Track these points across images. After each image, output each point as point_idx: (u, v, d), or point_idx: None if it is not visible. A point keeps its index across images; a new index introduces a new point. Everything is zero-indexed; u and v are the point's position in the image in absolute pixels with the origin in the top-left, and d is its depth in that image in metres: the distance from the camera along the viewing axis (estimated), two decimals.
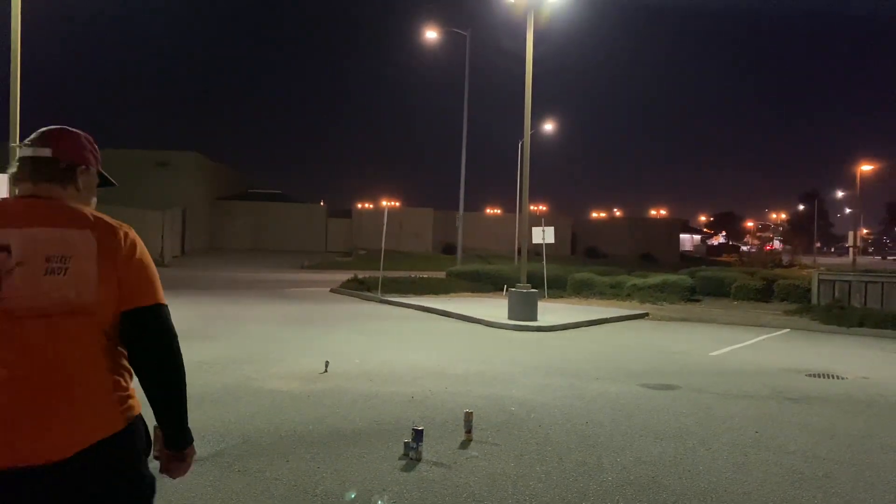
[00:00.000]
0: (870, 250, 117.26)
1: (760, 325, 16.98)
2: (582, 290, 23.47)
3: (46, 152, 2.19)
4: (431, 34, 32.18)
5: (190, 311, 16.69)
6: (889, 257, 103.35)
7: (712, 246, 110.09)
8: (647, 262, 54.94)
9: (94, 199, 2.40)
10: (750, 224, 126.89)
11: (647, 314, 18.67)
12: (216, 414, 6.94)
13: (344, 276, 27.76)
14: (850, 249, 45.06)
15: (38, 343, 1.99)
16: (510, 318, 15.65)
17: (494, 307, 17.91)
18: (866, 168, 50.93)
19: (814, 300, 20.11)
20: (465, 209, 35.80)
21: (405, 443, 5.83)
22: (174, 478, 2.43)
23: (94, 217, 2.15)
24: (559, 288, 23.66)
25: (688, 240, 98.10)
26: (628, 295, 22.19)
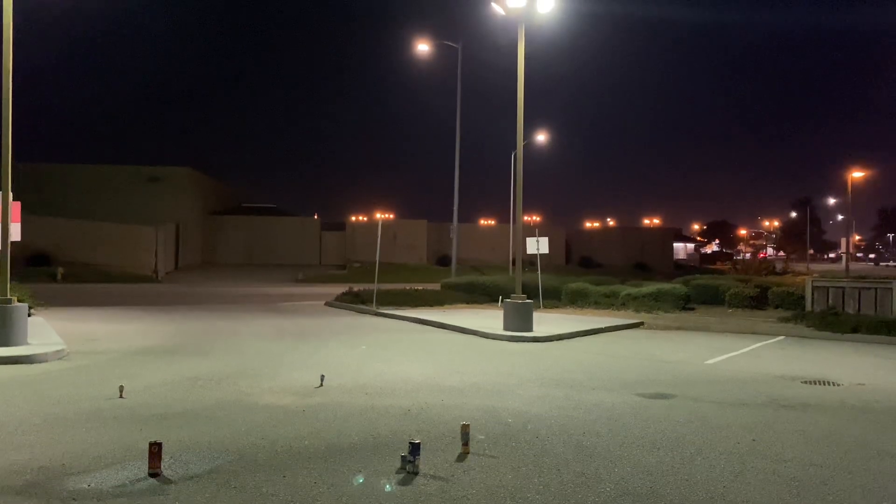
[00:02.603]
0: (873, 255, 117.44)
1: (755, 333, 17.00)
2: (577, 300, 23.48)
3: None
4: (423, 47, 32.32)
5: (183, 326, 16.64)
6: (882, 263, 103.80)
7: (706, 254, 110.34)
8: (641, 271, 55.01)
9: None
10: (743, 232, 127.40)
11: (642, 323, 18.67)
12: (211, 430, 6.90)
13: (338, 289, 27.73)
14: (843, 256, 45.26)
15: None
16: (505, 328, 15.63)
17: (490, 318, 17.89)
18: (857, 175, 51.28)
19: (808, 307, 20.14)
20: (459, 220, 35.85)
21: (402, 456, 5.81)
22: None
23: None
24: (554, 298, 23.66)
25: (681, 248, 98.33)
26: (623, 304, 22.19)
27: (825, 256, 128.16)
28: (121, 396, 8.35)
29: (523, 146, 17.23)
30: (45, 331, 13.95)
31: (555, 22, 18.27)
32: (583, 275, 32.68)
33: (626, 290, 23.29)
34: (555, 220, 79.21)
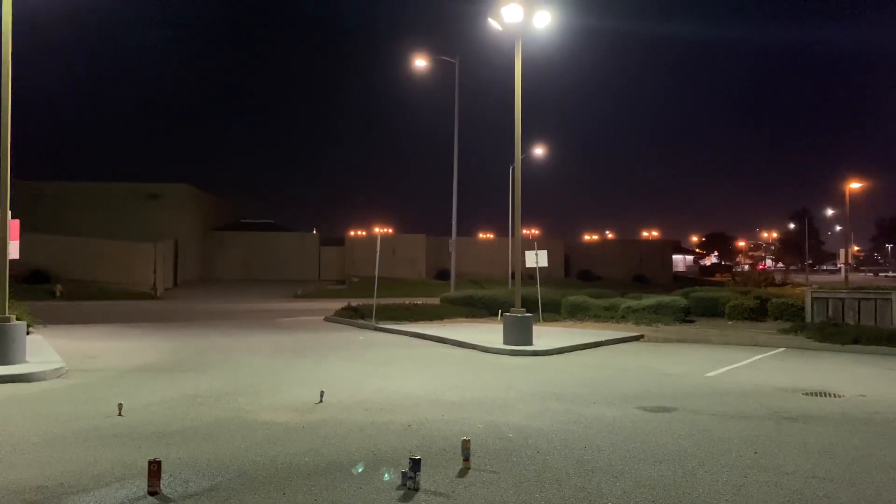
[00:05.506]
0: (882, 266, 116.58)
1: (755, 345, 16.97)
2: (576, 313, 23.45)
3: None
4: (421, 62, 32.51)
5: (182, 343, 16.59)
6: (881, 274, 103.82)
7: (705, 266, 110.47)
8: (641, 283, 55.02)
9: None
10: (742, 244, 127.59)
11: (642, 336, 18.64)
12: (210, 448, 6.87)
13: (337, 304, 27.67)
14: (842, 267, 45.27)
15: None
16: (505, 342, 15.60)
17: (489, 332, 17.85)
18: (855, 186, 51.44)
19: (808, 318, 20.13)
20: (458, 234, 35.88)
21: (402, 472, 5.78)
22: None
23: None
24: (554, 311, 23.63)
25: (680, 260, 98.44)
26: (623, 317, 22.16)
27: (824, 267, 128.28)
28: (120, 414, 8.32)
29: (521, 159, 17.28)
30: (43, 349, 13.91)
31: (552, 36, 18.37)
32: (582, 288, 32.66)
33: (626, 302, 23.27)
34: (553, 233, 79.17)
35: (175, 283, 45.69)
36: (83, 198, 47.50)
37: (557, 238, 68.19)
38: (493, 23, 16.96)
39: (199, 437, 7.33)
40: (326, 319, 24.06)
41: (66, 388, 10.38)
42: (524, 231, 50.83)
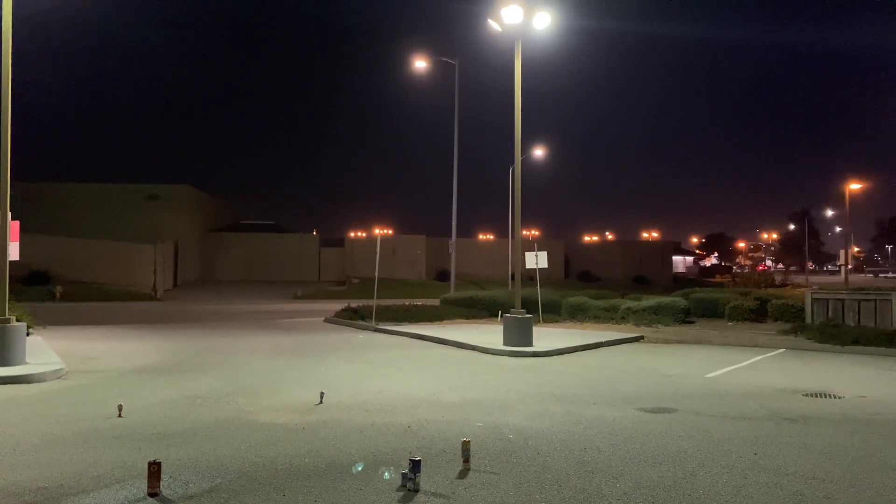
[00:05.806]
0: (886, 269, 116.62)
1: (755, 346, 16.97)
2: (576, 314, 23.45)
3: None
4: (421, 63, 32.53)
5: (182, 344, 16.59)
6: (881, 275, 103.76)
7: (705, 267, 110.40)
8: (641, 284, 55.02)
9: None
10: (741, 244, 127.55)
11: (642, 337, 18.65)
12: (210, 449, 6.87)
13: (337, 305, 27.67)
14: (842, 268, 45.29)
15: None
16: (505, 344, 15.60)
17: (489, 333, 17.85)
18: (855, 186, 51.45)
19: (808, 319, 20.13)
20: (458, 235, 35.87)
21: (402, 473, 5.78)
22: None
23: None
24: (553, 312, 23.63)
25: (680, 261, 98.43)
26: (623, 318, 22.16)
27: (824, 268, 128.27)
28: (120, 416, 8.32)
29: (521, 160, 17.28)
30: (43, 350, 13.90)
31: (552, 37, 18.38)
32: (582, 289, 32.64)
33: (626, 303, 23.26)
34: (553, 234, 79.26)
35: (175, 285, 45.70)
36: (83, 198, 47.51)
37: (557, 239, 68.24)
38: (492, 24, 16.97)
39: (199, 438, 7.33)
40: (326, 320, 24.06)
41: (65, 390, 10.38)
42: (524, 232, 50.84)
